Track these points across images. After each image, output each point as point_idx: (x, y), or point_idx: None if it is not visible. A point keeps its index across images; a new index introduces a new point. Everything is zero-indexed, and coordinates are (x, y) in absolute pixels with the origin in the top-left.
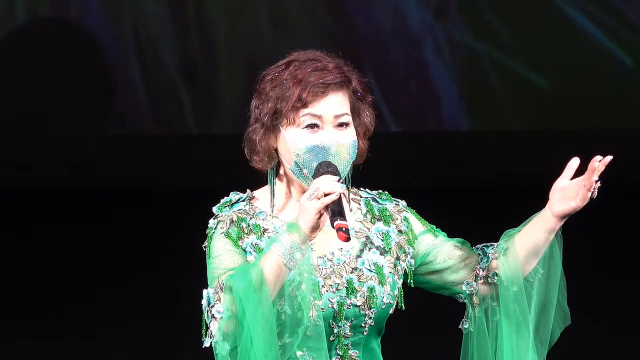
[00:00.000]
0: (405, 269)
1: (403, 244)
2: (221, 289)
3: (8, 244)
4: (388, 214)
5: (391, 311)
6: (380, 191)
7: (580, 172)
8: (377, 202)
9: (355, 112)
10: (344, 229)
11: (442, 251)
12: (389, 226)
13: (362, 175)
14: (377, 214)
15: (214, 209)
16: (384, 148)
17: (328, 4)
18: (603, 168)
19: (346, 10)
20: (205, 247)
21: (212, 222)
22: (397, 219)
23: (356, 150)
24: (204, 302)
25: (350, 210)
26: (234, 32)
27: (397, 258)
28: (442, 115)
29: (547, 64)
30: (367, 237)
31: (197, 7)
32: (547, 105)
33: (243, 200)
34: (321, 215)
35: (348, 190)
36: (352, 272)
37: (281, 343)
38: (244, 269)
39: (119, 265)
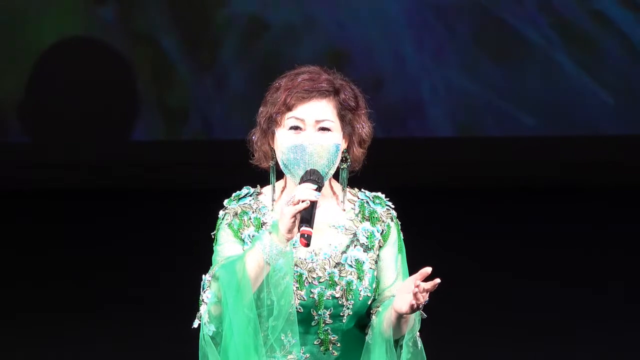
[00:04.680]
0: None
1: (381, 243)
2: (213, 276)
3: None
4: (376, 216)
5: (370, 302)
6: (377, 194)
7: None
8: (369, 205)
9: (344, 121)
10: (305, 236)
11: (379, 276)
12: (375, 226)
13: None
14: (367, 214)
15: (225, 202)
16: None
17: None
18: (431, 288)
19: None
20: (213, 234)
21: (221, 213)
22: (382, 222)
23: (339, 154)
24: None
25: (344, 210)
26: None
27: (379, 255)
28: (438, 154)
29: (537, 105)
30: (355, 235)
31: (211, 53)
32: (534, 145)
33: (250, 195)
34: (296, 219)
35: (348, 192)
36: (335, 267)
37: (267, 326)
38: (232, 262)
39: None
